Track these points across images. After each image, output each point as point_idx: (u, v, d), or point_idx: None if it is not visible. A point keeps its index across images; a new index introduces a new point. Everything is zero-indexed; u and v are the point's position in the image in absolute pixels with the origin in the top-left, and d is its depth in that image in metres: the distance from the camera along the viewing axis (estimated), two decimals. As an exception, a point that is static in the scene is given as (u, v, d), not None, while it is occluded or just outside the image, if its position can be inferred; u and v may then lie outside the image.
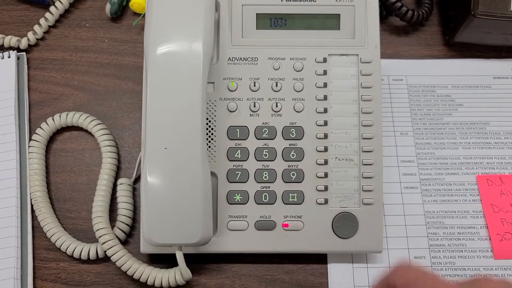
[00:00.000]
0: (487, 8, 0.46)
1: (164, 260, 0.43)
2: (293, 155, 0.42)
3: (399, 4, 0.50)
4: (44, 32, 0.52)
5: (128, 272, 0.41)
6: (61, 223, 0.45)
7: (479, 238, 0.45)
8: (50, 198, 0.46)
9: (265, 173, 0.41)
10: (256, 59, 0.43)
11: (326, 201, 0.41)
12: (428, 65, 0.51)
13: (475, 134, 0.48)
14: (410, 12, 0.50)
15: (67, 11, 0.53)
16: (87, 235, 0.45)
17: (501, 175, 0.47)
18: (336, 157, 0.42)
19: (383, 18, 0.52)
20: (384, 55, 0.49)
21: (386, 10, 0.52)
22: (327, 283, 0.43)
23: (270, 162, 0.42)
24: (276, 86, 0.42)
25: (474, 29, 0.48)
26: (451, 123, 0.49)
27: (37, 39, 0.51)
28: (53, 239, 0.43)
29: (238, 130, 0.42)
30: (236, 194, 0.41)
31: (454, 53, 0.52)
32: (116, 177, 0.46)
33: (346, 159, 0.42)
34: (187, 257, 0.40)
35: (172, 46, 0.38)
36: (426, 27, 0.53)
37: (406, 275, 0.28)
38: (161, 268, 0.42)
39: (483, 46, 0.52)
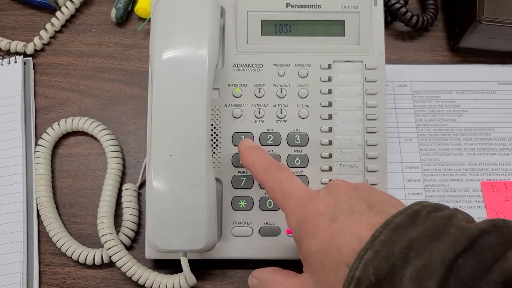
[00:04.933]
0: (492, 14, 0.46)
1: (169, 266, 0.43)
2: (297, 161, 0.42)
3: (404, 9, 0.50)
4: (50, 37, 0.52)
5: (133, 278, 0.42)
6: (66, 228, 0.45)
7: (484, 245, 0.44)
8: (55, 203, 0.46)
9: (270, 180, 0.41)
10: (261, 66, 0.43)
11: (330, 208, 0.41)
12: (433, 70, 0.51)
13: (480, 140, 0.48)
14: (415, 17, 0.50)
15: (73, 16, 0.53)
16: (92, 240, 0.45)
17: (506, 181, 0.47)
18: (340, 164, 0.42)
19: (388, 23, 0.52)
20: (388, 61, 0.49)
21: (391, 16, 0.52)
22: (331, 289, 0.43)
23: (274, 169, 0.42)
24: (281, 92, 0.42)
25: (479, 35, 0.48)
26: (456, 129, 0.49)
27: (43, 44, 0.52)
28: (58, 244, 0.43)
29: (243, 136, 0.42)
30: (240, 200, 0.41)
31: (459, 59, 0.52)
32: (121, 182, 0.46)
33: (350, 166, 0.42)
34: (191, 262, 0.40)
35: (177, 52, 0.38)
36: (431, 33, 0.53)
37: (272, 176, 0.34)
38: (166, 273, 0.42)
39: (488, 51, 0.51)
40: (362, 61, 0.43)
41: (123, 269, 0.42)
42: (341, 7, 0.43)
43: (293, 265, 0.44)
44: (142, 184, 0.46)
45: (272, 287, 0.34)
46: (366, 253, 0.26)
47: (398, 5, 0.50)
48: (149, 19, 0.48)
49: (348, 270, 0.26)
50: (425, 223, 0.26)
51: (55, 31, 0.52)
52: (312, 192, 0.32)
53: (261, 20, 0.43)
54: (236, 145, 0.42)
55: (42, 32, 0.51)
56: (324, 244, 0.29)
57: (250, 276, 0.36)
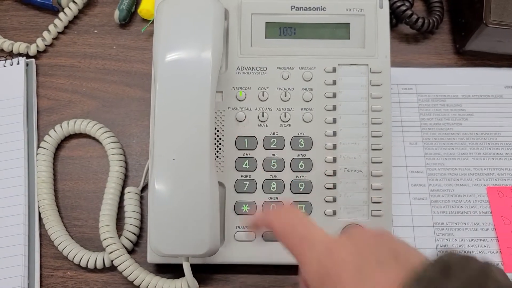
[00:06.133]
0: (499, 17, 0.46)
1: (171, 270, 0.42)
2: (301, 165, 0.41)
3: (409, 12, 0.49)
4: (53, 39, 0.52)
5: (134, 282, 0.41)
6: (68, 231, 0.45)
7: (490, 251, 0.44)
8: (57, 206, 0.46)
9: (273, 184, 0.41)
10: (265, 69, 0.42)
11: (334, 213, 0.41)
12: (438, 73, 0.50)
13: (486, 144, 0.48)
14: (420, 20, 0.50)
15: (76, 17, 0.53)
16: (94, 243, 0.45)
17: (512, 186, 0.46)
18: (345, 168, 0.42)
19: (393, 26, 0.52)
20: (393, 64, 0.48)
21: (396, 18, 0.51)
22: (335, 294, 0.43)
23: (278, 173, 0.41)
24: (285, 96, 0.42)
25: (485, 38, 0.48)
26: (461, 133, 0.48)
27: (46, 45, 0.51)
28: (60, 248, 0.43)
29: (246, 140, 0.42)
30: (243, 205, 0.41)
31: (464, 62, 0.51)
32: (124, 185, 0.46)
33: (355, 170, 0.42)
34: (194, 267, 0.40)
35: (181, 54, 0.38)
36: (436, 35, 0.52)
37: (284, 218, 0.31)
38: (168, 278, 0.42)
39: (494, 54, 0.51)
40: (367, 65, 0.43)
41: (124, 273, 0.41)
42: (346, 9, 0.43)
43: (295, 269, 0.44)
44: (145, 188, 0.46)
45: None
46: None
47: (403, 8, 0.49)
48: (153, 21, 0.48)
49: None
50: (460, 277, 0.24)
51: (58, 33, 0.52)
52: (332, 239, 0.29)
53: (266, 22, 0.43)
54: (240, 149, 0.41)
55: (45, 34, 0.51)
56: None
57: None
